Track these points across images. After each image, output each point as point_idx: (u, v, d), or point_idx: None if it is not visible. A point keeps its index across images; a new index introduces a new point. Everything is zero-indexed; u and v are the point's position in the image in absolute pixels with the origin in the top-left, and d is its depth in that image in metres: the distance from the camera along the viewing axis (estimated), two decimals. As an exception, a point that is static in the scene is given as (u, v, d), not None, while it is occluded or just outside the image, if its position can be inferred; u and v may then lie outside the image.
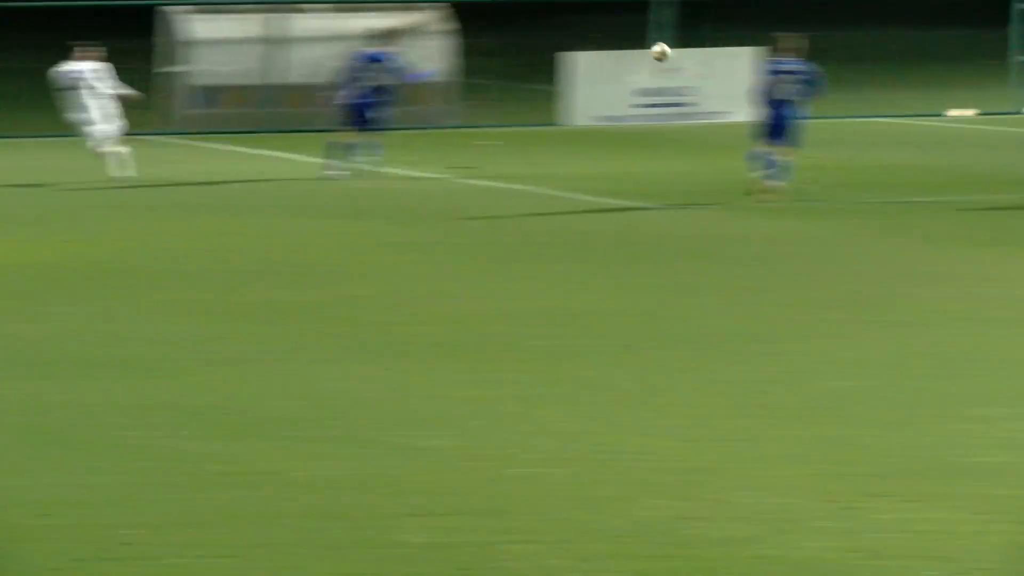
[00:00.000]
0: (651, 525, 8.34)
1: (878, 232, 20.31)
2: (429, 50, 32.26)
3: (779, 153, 22.76)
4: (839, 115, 31.60)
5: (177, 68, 32.78)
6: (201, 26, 33.03)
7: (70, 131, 25.92)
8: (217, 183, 25.77)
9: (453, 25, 33.10)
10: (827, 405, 10.98)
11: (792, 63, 23.18)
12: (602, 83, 33.03)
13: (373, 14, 32.09)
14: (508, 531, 8.26)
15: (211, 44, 33.06)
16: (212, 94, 32.88)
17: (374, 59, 26.11)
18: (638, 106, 33.11)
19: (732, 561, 7.69)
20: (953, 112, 34.62)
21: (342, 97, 25.67)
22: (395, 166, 25.88)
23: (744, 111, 26.10)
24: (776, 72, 23.28)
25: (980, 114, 34.50)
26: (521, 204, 23.48)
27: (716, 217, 22.20)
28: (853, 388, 11.44)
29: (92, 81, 25.33)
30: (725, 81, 30.54)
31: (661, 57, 26.33)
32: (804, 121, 23.13)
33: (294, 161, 27.99)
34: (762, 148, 22.96)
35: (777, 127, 22.76)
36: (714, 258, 18.67)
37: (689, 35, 34.96)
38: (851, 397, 11.21)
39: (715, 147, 29.35)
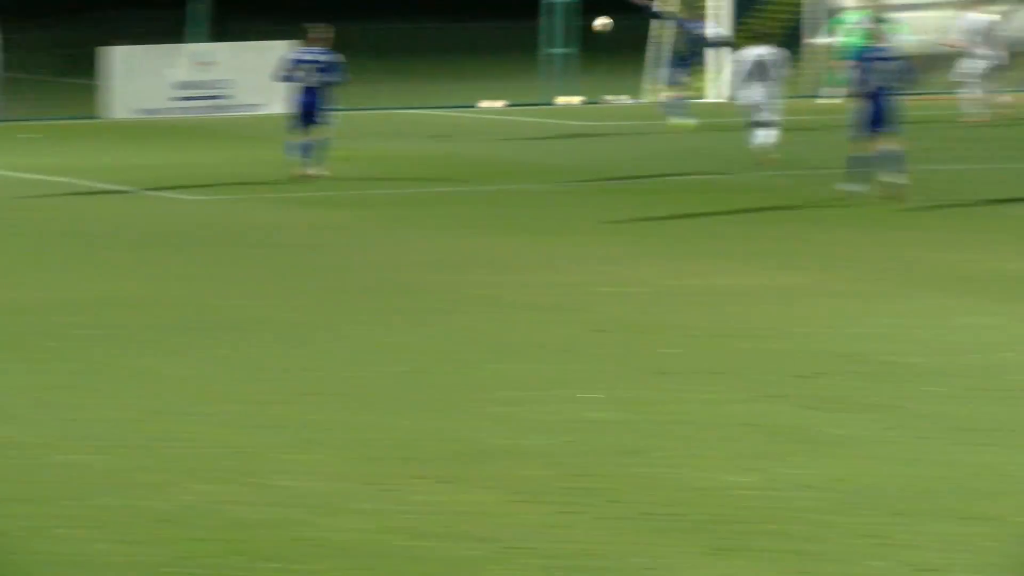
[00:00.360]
0: (194, 509, 8.42)
1: (409, 221, 20.92)
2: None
3: (314, 137, 23.86)
4: (372, 107, 33.34)
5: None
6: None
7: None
8: None
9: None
10: (366, 390, 11.27)
11: (316, 52, 24.35)
12: (141, 77, 33.60)
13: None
14: (53, 517, 8.24)
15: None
16: None
17: None
18: (177, 99, 33.85)
19: (274, 543, 7.81)
20: (484, 104, 36.00)
21: None
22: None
23: (279, 102, 27.34)
24: (299, 62, 24.41)
25: (510, 105, 35.87)
26: (60, 195, 23.45)
27: (255, 206, 22.69)
28: (391, 373, 11.83)
29: None
30: (259, 74, 30.90)
31: (604, 28, 28.23)
32: (333, 109, 24.23)
33: None
34: (297, 136, 23.96)
35: (307, 114, 23.93)
36: (254, 246, 19.24)
37: (224, 29, 36.19)
38: (389, 382, 11.57)
39: (252, 138, 30.25)
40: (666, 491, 8.71)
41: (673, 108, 31.00)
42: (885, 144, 21.39)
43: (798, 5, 37.08)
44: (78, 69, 37.66)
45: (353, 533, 8.00)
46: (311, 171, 23.44)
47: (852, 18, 32.74)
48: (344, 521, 8.21)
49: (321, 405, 10.87)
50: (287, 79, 24.77)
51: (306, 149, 23.65)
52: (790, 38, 33.81)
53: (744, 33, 31.27)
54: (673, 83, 31.72)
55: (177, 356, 12.66)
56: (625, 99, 37.26)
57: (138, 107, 33.64)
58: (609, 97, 37.53)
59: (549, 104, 36.23)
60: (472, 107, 35.75)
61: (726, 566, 7.50)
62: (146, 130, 31.95)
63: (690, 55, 31.82)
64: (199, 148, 29.42)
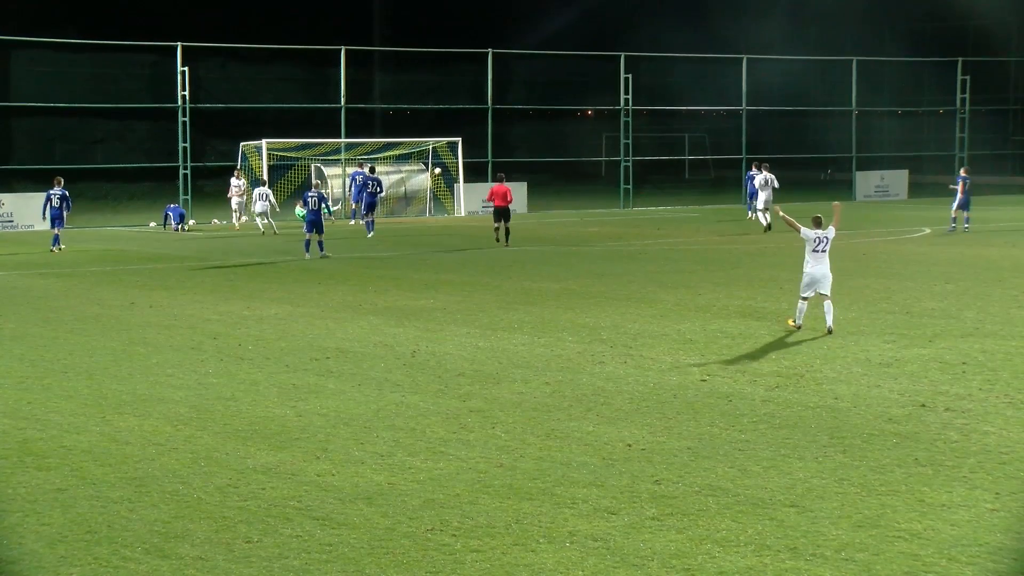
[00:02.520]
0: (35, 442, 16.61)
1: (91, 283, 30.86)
2: None
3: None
4: None
5: None
6: None
7: None
8: None
9: None
10: (83, 365, 19.63)
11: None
12: None
13: None
14: None
15: None
16: None
17: None
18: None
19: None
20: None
21: None
22: None
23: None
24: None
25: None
26: None
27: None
28: (96, 359, 20.50)
29: None
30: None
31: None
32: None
33: None
34: None
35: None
36: (19, 298, 28.09)
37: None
38: (101, 362, 19.97)
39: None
40: (242, 418, 17.50)
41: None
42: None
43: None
44: None
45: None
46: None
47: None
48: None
49: (65, 377, 19.30)
50: None
51: None
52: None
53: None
54: None
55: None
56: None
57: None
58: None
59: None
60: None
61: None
62: None
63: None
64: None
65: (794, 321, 23.55)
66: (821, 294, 23.35)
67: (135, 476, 13.42)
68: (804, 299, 23.50)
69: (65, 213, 44.66)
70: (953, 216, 47.00)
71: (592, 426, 15.76)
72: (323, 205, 41.41)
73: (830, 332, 22.81)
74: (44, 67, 60.30)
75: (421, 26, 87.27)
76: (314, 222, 39.96)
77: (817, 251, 23.43)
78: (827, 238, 23.52)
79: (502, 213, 44.26)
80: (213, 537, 11.38)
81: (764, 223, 49.47)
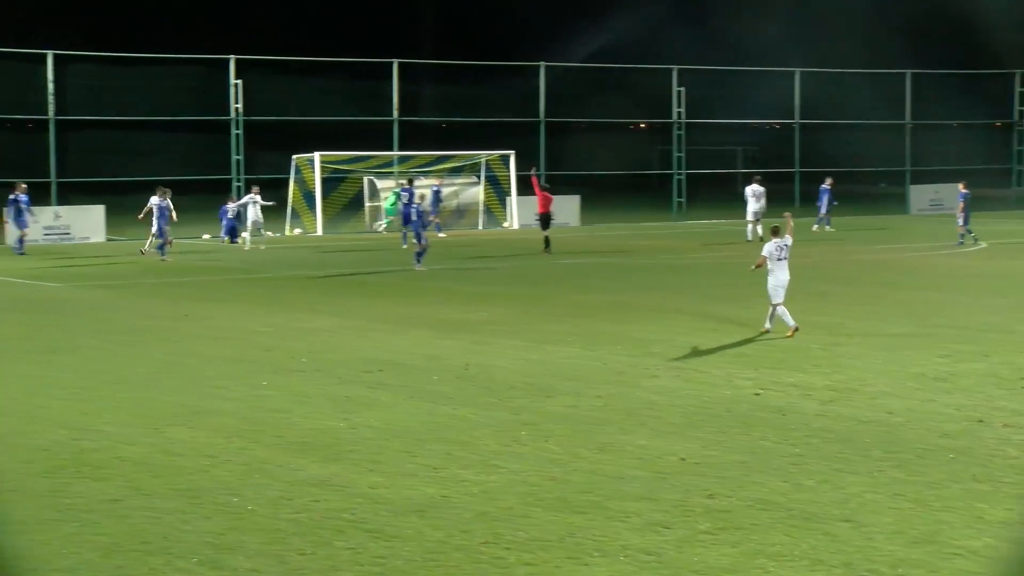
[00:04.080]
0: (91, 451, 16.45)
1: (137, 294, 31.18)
2: None
3: None
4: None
5: None
6: None
7: None
8: None
9: None
10: (136, 379, 19.79)
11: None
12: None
13: None
14: None
15: None
16: None
17: None
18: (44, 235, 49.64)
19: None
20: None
21: None
22: None
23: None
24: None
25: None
26: None
27: (77, 289, 32.17)
28: (143, 370, 20.64)
29: None
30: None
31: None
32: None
33: None
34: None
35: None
36: (71, 309, 28.49)
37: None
38: (146, 374, 20.10)
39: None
40: (295, 430, 17.10)
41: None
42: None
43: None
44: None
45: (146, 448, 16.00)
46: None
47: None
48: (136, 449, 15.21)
49: (119, 389, 19.41)
50: None
51: None
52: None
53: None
54: None
55: (32, 365, 21.68)
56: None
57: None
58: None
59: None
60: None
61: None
62: (28, 250, 45.90)
63: None
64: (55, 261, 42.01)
65: (765, 328, 24.72)
66: (774, 303, 24.62)
67: (188, 488, 13.46)
68: (775, 305, 24.64)
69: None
70: (961, 232, 46.85)
71: (644, 439, 15.70)
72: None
73: (796, 330, 24.18)
74: (98, 81, 60.67)
75: (473, 39, 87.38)
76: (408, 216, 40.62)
77: (780, 259, 24.75)
78: (786, 246, 24.89)
79: (545, 220, 45.13)
80: (266, 549, 11.39)
81: (748, 237, 50.42)
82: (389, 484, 13.60)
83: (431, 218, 47.59)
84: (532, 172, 53.88)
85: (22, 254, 45.86)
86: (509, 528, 11.94)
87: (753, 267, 25.57)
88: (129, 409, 17.84)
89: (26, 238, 47.38)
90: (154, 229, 44.66)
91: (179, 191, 60.91)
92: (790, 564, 11.01)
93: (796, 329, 24.15)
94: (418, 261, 38.95)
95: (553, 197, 48.09)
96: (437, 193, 53.28)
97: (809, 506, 12.69)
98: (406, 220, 47.75)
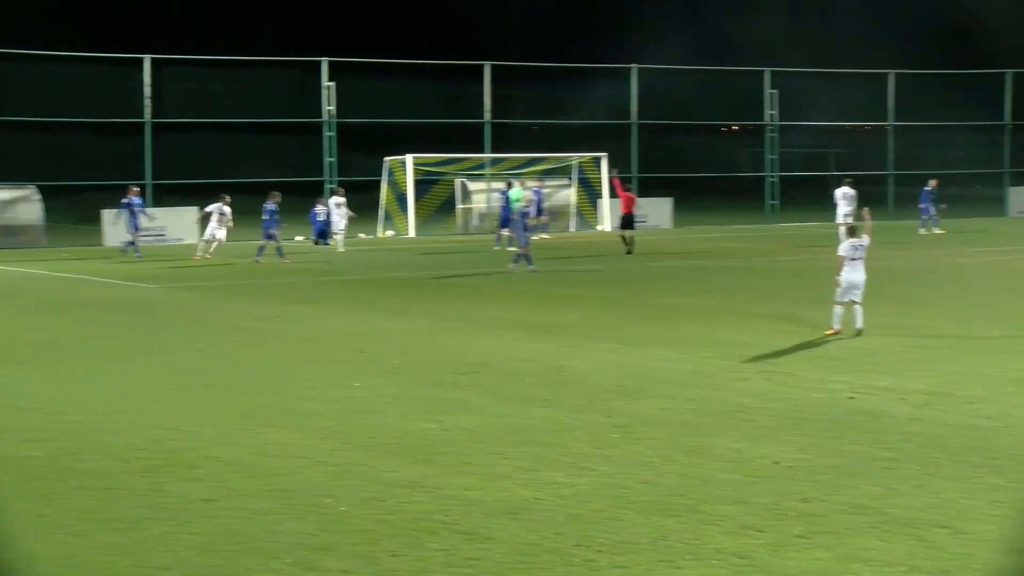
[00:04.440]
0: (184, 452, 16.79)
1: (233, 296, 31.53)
2: None
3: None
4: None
5: None
6: None
7: None
8: None
9: None
10: (236, 380, 20.06)
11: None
12: (119, 225, 49.93)
13: None
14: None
15: None
16: None
17: None
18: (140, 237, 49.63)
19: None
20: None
21: None
22: None
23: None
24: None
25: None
26: (79, 283, 32.68)
27: (171, 291, 32.49)
28: (242, 373, 20.86)
29: None
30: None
31: None
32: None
33: None
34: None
35: None
36: (165, 310, 28.79)
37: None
38: (244, 376, 20.34)
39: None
40: (387, 432, 17.06)
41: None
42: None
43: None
44: (86, 220, 56.27)
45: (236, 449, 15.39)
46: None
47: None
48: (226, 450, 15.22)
49: (213, 389, 19.57)
50: None
51: None
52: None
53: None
54: None
55: (128, 365, 21.89)
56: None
57: (120, 239, 48.74)
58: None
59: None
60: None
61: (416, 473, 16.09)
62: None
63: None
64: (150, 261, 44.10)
65: (832, 328, 24.42)
66: (853, 301, 24.49)
67: (281, 488, 13.53)
68: (840, 304, 24.49)
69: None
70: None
71: (736, 443, 15.61)
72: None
73: (860, 333, 24.15)
74: (193, 83, 61.28)
75: (564, 41, 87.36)
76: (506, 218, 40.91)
77: (855, 259, 24.62)
78: (863, 246, 24.81)
79: (627, 220, 45.78)
80: (358, 551, 11.43)
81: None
82: (481, 486, 13.61)
83: (540, 219, 47.52)
84: (612, 174, 54.10)
85: (140, 257, 46.09)
86: (601, 531, 11.91)
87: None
88: (223, 410, 17.97)
89: (137, 241, 47.75)
90: (207, 235, 45.70)
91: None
92: (885, 570, 10.89)
93: (860, 332, 24.21)
94: (516, 262, 38.89)
95: (636, 198, 48.53)
96: (539, 194, 53.41)
97: (904, 511, 12.56)
98: (504, 223, 47.95)
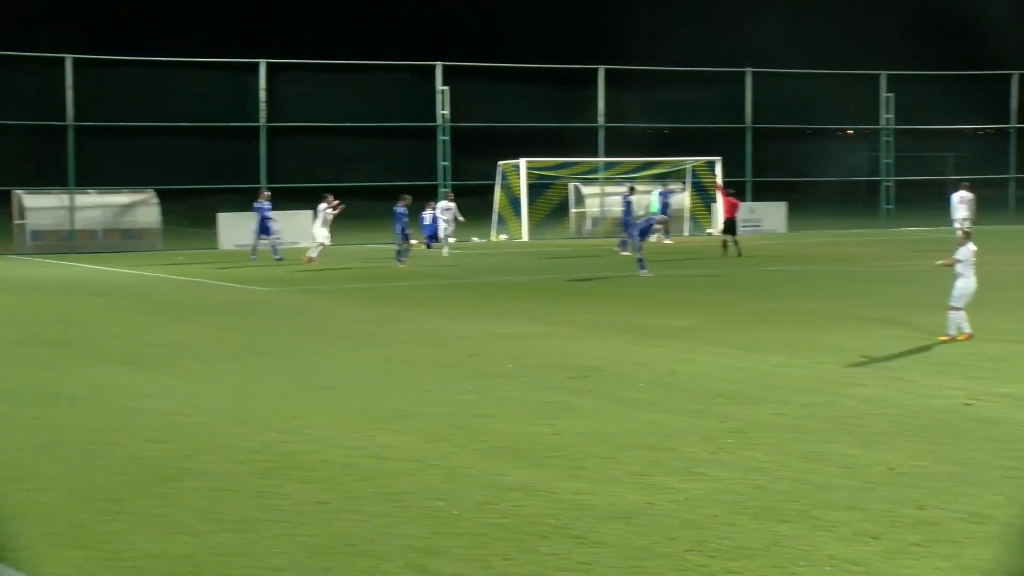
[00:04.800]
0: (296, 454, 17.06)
1: (345, 299, 31.94)
2: None
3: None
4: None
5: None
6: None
7: None
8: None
9: None
10: (349, 384, 20.10)
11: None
12: (235, 227, 55.46)
13: None
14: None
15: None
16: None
17: None
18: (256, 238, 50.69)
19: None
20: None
21: None
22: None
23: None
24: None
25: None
26: (193, 286, 35.69)
27: (281, 294, 32.90)
28: (356, 376, 20.96)
29: None
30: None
31: None
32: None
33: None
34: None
35: None
36: (276, 313, 29.14)
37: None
38: (358, 380, 20.55)
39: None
40: (499, 435, 16.98)
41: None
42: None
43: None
44: (202, 223, 57.84)
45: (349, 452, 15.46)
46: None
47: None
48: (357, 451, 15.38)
49: (327, 392, 19.74)
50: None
51: None
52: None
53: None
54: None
55: (243, 368, 22.15)
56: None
57: (235, 243, 51.57)
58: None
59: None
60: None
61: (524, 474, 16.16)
62: (239, 255, 46.99)
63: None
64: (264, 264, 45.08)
65: (951, 334, 24.25)
66: (956, 308, 24.34)
67: (393, 491, 13.58)
68: (958, 310, 24.24)
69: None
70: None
71: (851, 448, 15.45)
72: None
73: (968, 338, 24.05)
74: (307, 87, 61.82)
75: (679, 45, 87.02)
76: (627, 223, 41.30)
77: (969, 265, 24.46)
78: (975, 251, 24.71)
79: (730, 225, 46.22)
80: (470, 554, 11.44)
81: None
82: (593, 490, 13.57)
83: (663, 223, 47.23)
84: (715, 181, 54.29)
85: (280, 259, 46.64)
86: (713, 536, 11.84)
87: (939, 263, 25.31)
88: (336, 413, 18.09)
89: (278, 244, 48.17)
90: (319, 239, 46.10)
91: (386, 197, 61.86)
92: (1005, 580, 10.73)
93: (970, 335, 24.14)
94: (644, 268, 38.65)
95: (739, 203, 48.79)
96: (665, 196, 53.38)
97: (1026, 521, 12.35)
98: (625, 227, 47.98)
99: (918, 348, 23.49)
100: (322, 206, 46.63)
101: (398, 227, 44.81)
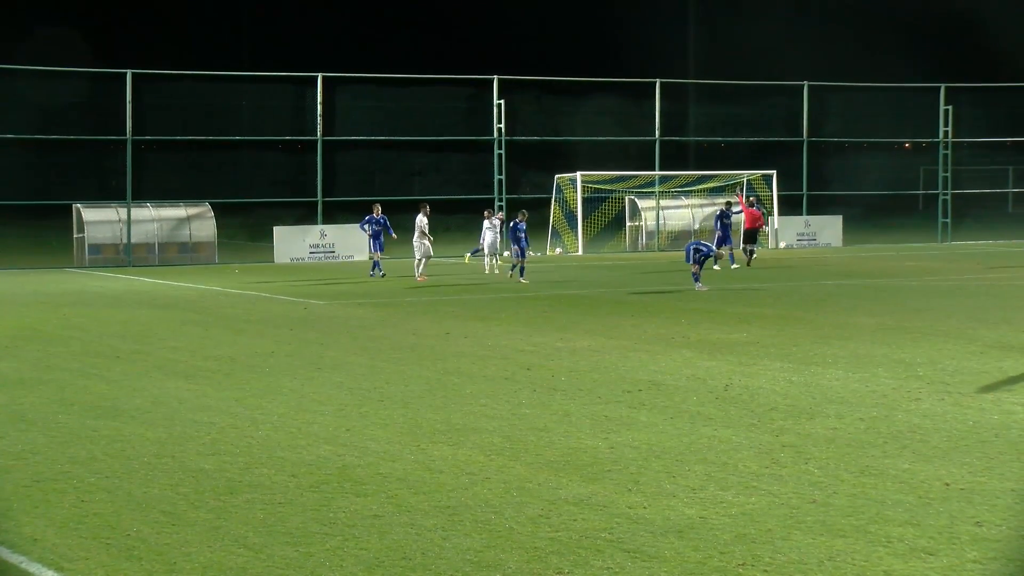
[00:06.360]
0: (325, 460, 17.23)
1: (415, 313, 31.90)
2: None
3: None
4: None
5: None
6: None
7: None
8: None
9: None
10: (403, 396, 20.15)
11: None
12: (292, 241, 57.01)
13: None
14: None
15: None
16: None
17: None
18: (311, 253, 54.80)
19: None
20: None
21: None
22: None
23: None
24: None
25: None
26: (248, 299, 34.12)
27: (342, 307, 32.93)
28: (412, 388, 21.03)
29: None
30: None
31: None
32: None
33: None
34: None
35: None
36: (337, 326, 29.32)
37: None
38: (414, 392, 20.50)
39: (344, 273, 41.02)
40: (554, 449, 17.24)
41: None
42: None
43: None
44: (258, 236, 60.15)
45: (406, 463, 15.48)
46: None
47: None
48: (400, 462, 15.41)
49: (384, 403, 19.77)
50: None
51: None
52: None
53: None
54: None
55: (299, 381, 22.18)
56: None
57: (291, 256, 53.40)
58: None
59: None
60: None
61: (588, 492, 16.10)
62: (294, 269, 46.97)
63: None
64: (320, 278, 44.34)
65: None
66: None
67: (448, 505, 13.59)
68: None
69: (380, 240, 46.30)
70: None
71: (908, 463, 15.35)
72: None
73: None
74: (363, 101, 62.06)
75: (734, 59, 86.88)
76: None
77: None
78: None
79: (750, 236, 47.58)
80: (524, 568, 11.43)
81: None
82: (648, 504, 13.54)
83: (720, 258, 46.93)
84: (738, 192, 54.58)
85: (382, 275, 46.03)
86: (768, 551, 11.79)
87: None
88: (392, 426, 18.12)
89: (379, 260, 47.24)
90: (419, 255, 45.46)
91: (444, 210, 62.07)
92: (1063, 597, 10.63)
93: None
94: (697, 280, 38.53)
95: (762, 215, 50.28)
96: (723, 218, 53.70)
97: (1087, 540, 12.23)
98: (721, 242, 48.52)
99: (977, 363, 23.32)
100: (420, 217, 45.47)
101: (522, 243, 43.83)
